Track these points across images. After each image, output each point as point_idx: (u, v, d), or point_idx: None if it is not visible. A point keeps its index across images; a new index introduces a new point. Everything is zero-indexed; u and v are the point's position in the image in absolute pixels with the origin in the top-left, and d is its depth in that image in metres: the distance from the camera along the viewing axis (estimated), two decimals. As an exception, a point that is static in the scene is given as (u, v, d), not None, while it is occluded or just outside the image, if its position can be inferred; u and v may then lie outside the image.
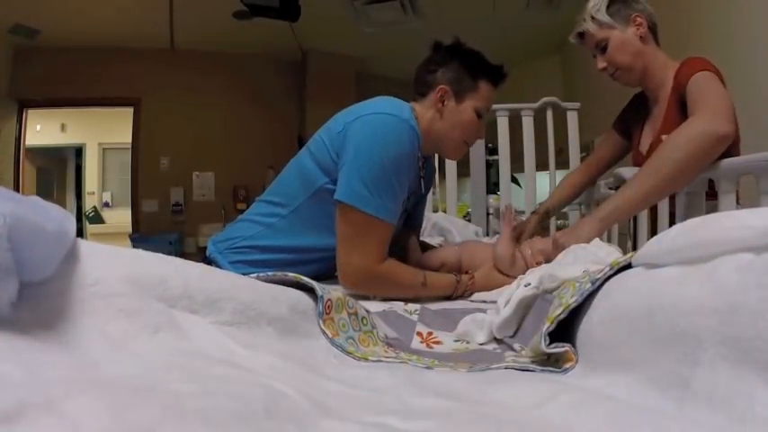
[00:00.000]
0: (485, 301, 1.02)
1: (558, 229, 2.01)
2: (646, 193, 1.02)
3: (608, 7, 1.24)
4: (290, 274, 0.75)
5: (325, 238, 1.07)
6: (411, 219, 1.28)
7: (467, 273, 1.11)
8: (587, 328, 0.56)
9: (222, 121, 4.80)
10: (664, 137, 1.09)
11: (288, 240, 1.12)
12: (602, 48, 1.26)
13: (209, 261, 1.15)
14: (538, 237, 1.22)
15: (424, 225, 1.80)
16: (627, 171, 1.26)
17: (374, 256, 1.01)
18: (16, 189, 4.16)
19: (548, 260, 1.09)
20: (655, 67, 1.26)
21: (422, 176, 1.18)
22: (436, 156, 2.06)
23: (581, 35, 1.31)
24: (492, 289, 1.09)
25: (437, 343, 0.78)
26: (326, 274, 1.11)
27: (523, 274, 1.08)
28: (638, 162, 1.31)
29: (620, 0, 1.24)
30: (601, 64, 1.28)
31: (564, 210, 1.97)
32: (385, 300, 1.01)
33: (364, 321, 0.74)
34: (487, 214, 2.42)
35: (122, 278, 0.45)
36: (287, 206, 1.11)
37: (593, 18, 1.25)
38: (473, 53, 1.14)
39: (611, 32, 1.24)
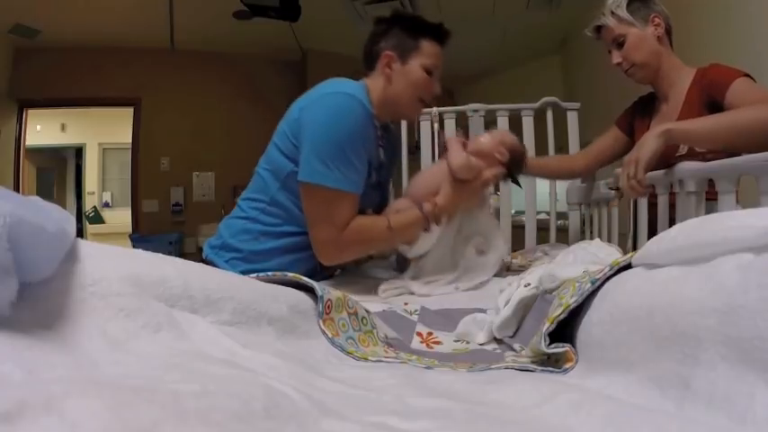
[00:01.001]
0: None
1: (559, 229, 2.01)
2: (707, 131, 1.04)
3: (628, 4, 1.26)
4: (290, 274, 0.75)
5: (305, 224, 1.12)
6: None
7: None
8: (587, 328, 0.56)
9: (222, 121, 4.79)
10: None
11: (274, 228, 1.15)
12: (620, 43, 1.29)
13: (206, 263, 1.16)
14: (499, 129, 1.25)
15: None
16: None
17: (341, 227, 1.06)
18: (16, 189, 4.16)
19: (511, 151, 1.16)
20: (668, 67, 1.28)
21: (381, 145, 1.21)
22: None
23: (598, 29, 1.33)
24: (461, 203, 1.14)
25: (437, 343, 0.78)
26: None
27: (477, 174, 1.13)
28: None
29: None
30: (616, 59, 1.31)
31: (563, 210, 1.97)
32: (384, 301, 1.01)
33: (364, 321, 0.74)
34: (487, 214, 2.41)
35: (122, 278, 0.45)
36: (264, 198, 1.16)
37: (612, 13, 1.28)
38: (411, 17, 1.20)
39: (630, 29, 1.26)
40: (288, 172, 1.11)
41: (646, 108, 1.42)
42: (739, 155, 1.08)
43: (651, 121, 1.39)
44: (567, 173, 1.62)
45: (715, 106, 1.16)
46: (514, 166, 1.23)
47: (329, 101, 1.07)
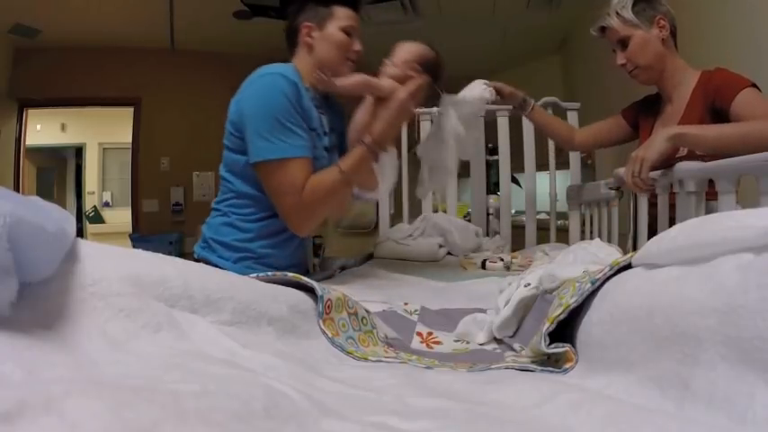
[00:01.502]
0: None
1: (559, 229, 2.02)
2: (716, 139, 1.06)
3: (633, 5, 1.26)
4: (290, 274, 0.75)
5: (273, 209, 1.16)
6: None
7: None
8: (587, 328, 0.56)
9: (222, 120, 4.74)
10: None
11: (249, 216, 1.19)
12: (624, 44, 1.29)
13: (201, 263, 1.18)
14: (403, 46, 1.26)
15: (424, 225, 1.81)
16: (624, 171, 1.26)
17: (299, 191, 1.10)
18: (16, 189, 4.15)
19: (423, 63, 1.20)
20: (673, 69, 1.29)
21: (322, 113, 1.25)
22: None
23: (603, 29, 1.33)
24: (396, 122, 1.19)
25: (437, 343, 0.78)
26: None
27: (392, 87, 1.16)
28: None
29: (646, 0, 1.26)
30: (620, 60, 1.31)
31: (563, 210, 1.97)
32: (384, 301, 1.01)
33: (364, 321, 0.74)
34: (488, 214, 2.42)
35: (122, 278, 0.45)
36: (232, 195, 1.21)
37: (617, 14, 1.28)
38: None
39: (635, 31, 1.26)
40: (242, 165, 1.16)
41: (651, 108, 1.42)
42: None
43: (655, 121, 1.39)
44: (565, 139, 1.62)
45: (717, 111, 1.16)
46: (434, 75, 1.25)
47: (257, 84, 1.13)
